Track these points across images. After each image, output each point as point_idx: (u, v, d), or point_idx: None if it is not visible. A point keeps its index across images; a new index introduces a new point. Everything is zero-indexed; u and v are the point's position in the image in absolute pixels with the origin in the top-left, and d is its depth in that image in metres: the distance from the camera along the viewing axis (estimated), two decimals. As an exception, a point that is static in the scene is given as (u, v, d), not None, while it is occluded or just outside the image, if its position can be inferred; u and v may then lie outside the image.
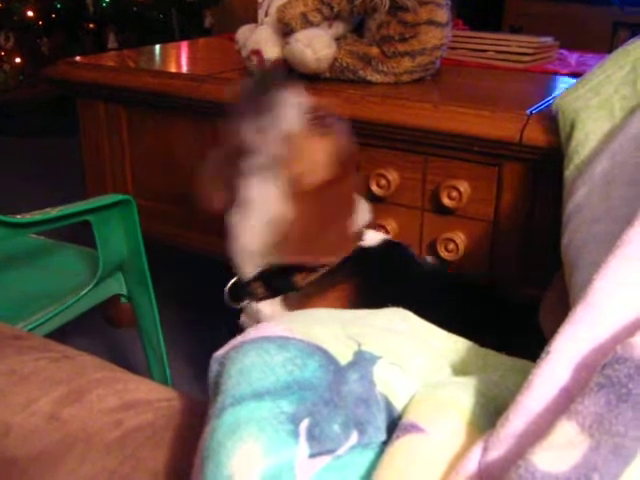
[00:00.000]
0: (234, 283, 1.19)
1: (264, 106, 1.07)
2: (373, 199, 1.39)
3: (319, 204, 1.10)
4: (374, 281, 1.15)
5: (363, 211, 1.20)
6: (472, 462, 0.45)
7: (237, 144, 1.11)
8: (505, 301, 1.22)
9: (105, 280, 1.39)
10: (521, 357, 0.65)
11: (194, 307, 2.00)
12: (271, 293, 1.15)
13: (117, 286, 1.45)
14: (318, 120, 1.11)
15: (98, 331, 1.88)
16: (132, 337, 1.71)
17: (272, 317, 1.11)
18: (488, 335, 1.03)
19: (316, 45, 1.42)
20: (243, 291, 1.17)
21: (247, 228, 1.12)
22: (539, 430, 0.44)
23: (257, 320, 1.15)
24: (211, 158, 1.22)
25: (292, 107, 1.09)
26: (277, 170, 1.09)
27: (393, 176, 1.37)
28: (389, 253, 1.20)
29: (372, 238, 1.20)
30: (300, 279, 1.14)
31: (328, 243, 1.11)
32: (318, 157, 1.11)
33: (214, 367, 0.57)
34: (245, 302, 1.18)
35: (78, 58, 1.86)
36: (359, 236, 1.18)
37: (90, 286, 1.32)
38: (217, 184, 1.20)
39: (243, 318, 1.21)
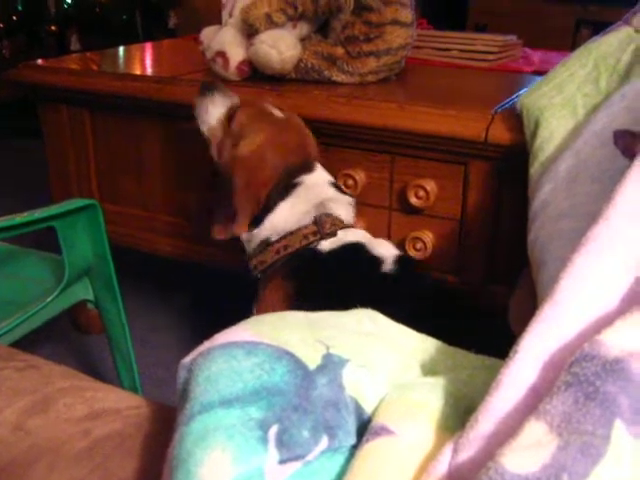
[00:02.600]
0: None
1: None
2: (341, 199, 1.39)
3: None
4: (313, 285, 1.16)
5: (337, 205, 1.20)
6: (442, 464, 0.45)
7: None
8: (462, 313, 1.20)
9: (71, 286, 1.37)
10: (488, 353, 0.65)
11: (162, 311, 1.99)
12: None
13: (84, 292, 1.43)
14: None
15: (66, 337, 1.85)
16: (100, 343, 1.69)
17: None
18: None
19: (281, 46, 1.41)
20: None
21: None
22: (508, 430, 0.44)
23: None
24: None
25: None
26: None
27: (360, 176, 1.37)
28: (342, 259, 1.17)
29: (338, 239, 1.17)
30: (254, 267, 1.22)
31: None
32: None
33: (182, 374, 0.56)
34: None
35: (40, 61, 1.84)
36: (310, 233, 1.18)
37: (56, 292, 1.30)
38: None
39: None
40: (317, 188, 1.21)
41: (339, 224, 1.18)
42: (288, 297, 1.15)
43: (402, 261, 1.18)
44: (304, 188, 1.20)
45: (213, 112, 1.29)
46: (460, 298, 1.30)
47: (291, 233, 1.18)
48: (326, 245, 1.17)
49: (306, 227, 1.17)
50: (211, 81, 1.34)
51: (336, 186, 1.25)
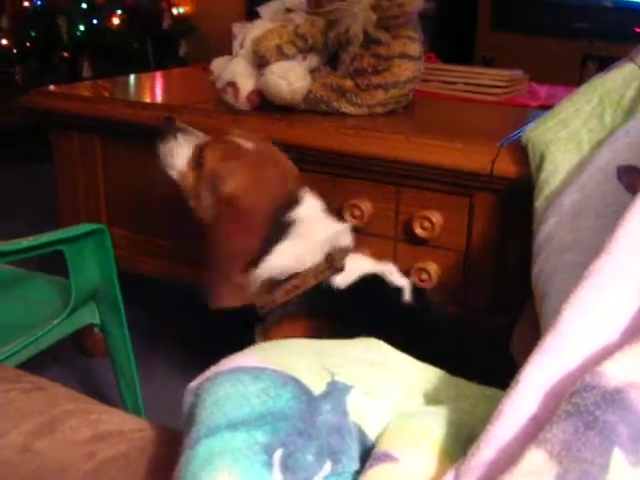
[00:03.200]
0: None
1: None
2: (347, 229, 1.40)
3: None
4: (336, 321, 1.11)
5: (342, 236, 1.17)
6: (444, 490, 0.46)
7: None
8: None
9: (78, 310, 1.38)
10: (490, 384, 0.66)
11: (167, 336, 1.99)
12: (248, 323, 1.18)
13: (90, 316, 1.44)
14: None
15: (71, 360, 1.86)
16: (105, 367, 1.69)
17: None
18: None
19: (291, 77, 1.44)
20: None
21: None
22: (509, 458, 0.44)
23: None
24: None
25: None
26: None
27: (366, 206, 1.38)
28: (358, 293, 1.14)
29: (351, 271, 1.15)
30: (260, 306, 1.16)
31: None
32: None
33: (188, 398, 0.57)
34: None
35: (52, 87, 1.86)
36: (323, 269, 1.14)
37: (63, 316, 1.31)
38: None
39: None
40: (316, 222, 1.17)
41: (347, 255, 1.16)
42: (309, 335, 1.09)
43: (416, 290, 1.16)
44: (302, 225, 1.15)
45: (180, 154, 1.23)
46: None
47: (306, 271, 1.13)
48: (340, 281, 1.13)
49: (320, 263, 1.13)
50: (169, 118, 1.30)
51: (327, 212, 1.21)
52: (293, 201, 1.17)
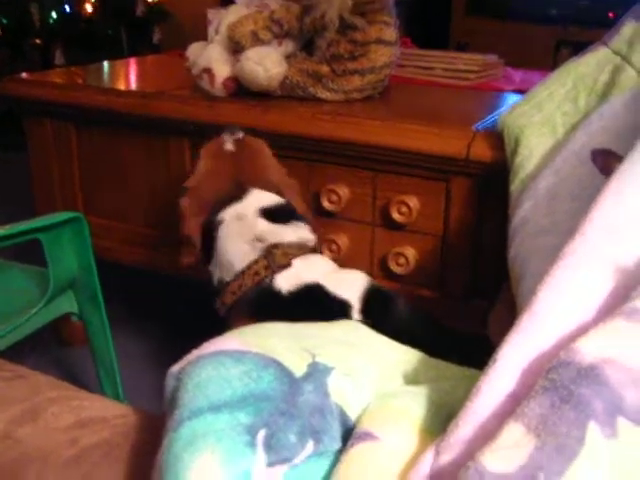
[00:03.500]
0: None
1: None
2: (324, 214, 1.41)
3: None
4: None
5: (303, 230, 1.14)
6: (424, 466, 0.47)
7: None
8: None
9: (56, 298, 1.37)
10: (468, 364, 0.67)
11: (145, 323, 1.99)
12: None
13: (68, 304, 1.43)
14: None
15: (49, 349, 1.85)
16: (83, 355, 1.69)
17: None
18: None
19: (267, 63, 1.43)
20: None
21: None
22: (487, 434, 0.45)
23: None
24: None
25: None
26: None
27: (344, 191, 1.39)
28: (303, 304, 1.07)
29: (297, 274, 1.09)
30: (218, 308, 1.15)
31: None
32: None
33: (170, 382, 0.58)
34: None
35: (24, 75, 1.85)
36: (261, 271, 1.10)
37: (41, 305, 1.31)
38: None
39: None
40: (247, 220, 1.12)
41: (293, 253, 1.09)
42: None
43: (371, 300, 1.07)
44: (233, 221, 1.12)
45: None
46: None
47: (242, 272, 1.09)
48: (283, 283, 1.07)
49: (256, 262, 1.08)
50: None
51: (272, 211, 1.14)
52: (234, 197, 1.14)
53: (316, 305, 1.06)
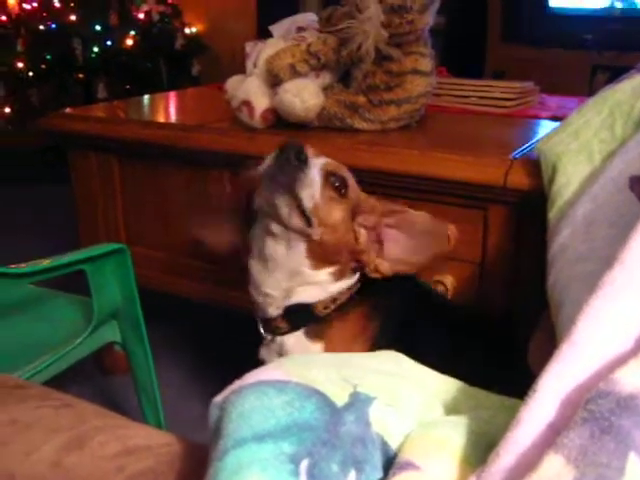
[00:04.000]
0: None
1: (290, 178, 1.06)
2: (363, 243, 1.42)
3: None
4: (389, 299, 1.20)
5: None
6: (466, 496, 0.47)
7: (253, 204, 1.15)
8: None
9: (100, 328, 1.40)
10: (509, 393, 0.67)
11: (188, 352, 2.01)
12: (294, 327, 1.19)
13: (112, 334, 1.46)
14: (335, 184, 1.12)
15: (91, 378, 1.88)
16: (125, 384, 1.72)
17: (295, 348, 1.18)
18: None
19: (304, 95, 1.46)
20: (266, 327, 1.22)
21: (270, 278, 1.16)
22: (528, 464, 0.46)
23: (280, 353, 1.20)
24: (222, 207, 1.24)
25: (314, 178, 1.08)
26: (297, 236, 1.11)
27: (382, 221, 1.40)
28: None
29: None
30: (320, 309, 1.17)
31: None
32: (338, 220, 1.12)
33: (214, 412, 0.59)
34: (268, 337, 1.22)
35: (68, 110, 1.90)
36: None
37: (85, 334, 1.33)
38: (228, 231, 1.25)
39: (263, 352, 1.24)
40: None
41: None
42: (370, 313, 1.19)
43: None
44: None
45: (315, 182, 1.09)
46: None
47: None
48: None
49: None
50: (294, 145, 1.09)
51: None
52: None
53: None
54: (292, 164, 1.05)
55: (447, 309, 1.28)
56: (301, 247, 1.12)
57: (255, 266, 1.18)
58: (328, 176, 1.11)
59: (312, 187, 1.07)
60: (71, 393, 0.81)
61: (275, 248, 1.13)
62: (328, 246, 1.13)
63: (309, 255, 1.13)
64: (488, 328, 1.24)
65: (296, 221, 1.08)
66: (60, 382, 1.32)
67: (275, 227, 1.11)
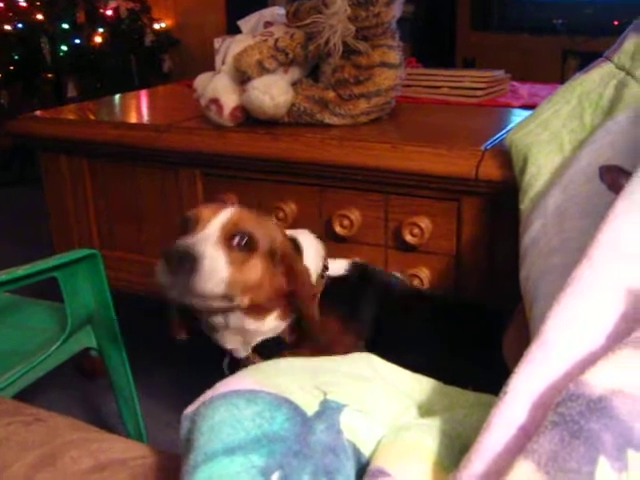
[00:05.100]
0: (230, 360, 1.20)
1: (188, 284, 0.98)
2: (337, 239, 1.42)
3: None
4: (354, 305, 1.18)
5: (316, 249, 1.20)
6: (438, 504, 0.47)
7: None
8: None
9: (74, 334, 1.38)
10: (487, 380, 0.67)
11: (165, 354, 2.00)
12: (266, 359, 1.16)
13: (87, 340, 1.44)
14: (242, 242, 1.04)
15: (69, 382, 1.86)
16: (104, 387, 1.70)
17: None
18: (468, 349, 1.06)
19: (273, 91, 1.45)
20: (241, 364, 1.16)
21: (224, 338, 1.14)
22: (499, 469, 0.45)
23: None
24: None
25: (212, 265, 0.99)
26: (229, 308, 1.07)
27: (355, 215, 1.39)
28: (359, 273, 1.22)
29: (337, 266, 1.22)
30: (287, 337, 1.14)
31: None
32: (258, 277, 1.06)
33: (185, 424, 0.58)
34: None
35: (38, 112, 1.87)
36: (323, 272, 1.19)
37: (59, 342, 1.32)
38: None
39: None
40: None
41: None
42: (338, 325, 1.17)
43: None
44: None
45: (219, 263, 1.02)
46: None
47: None
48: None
49: None
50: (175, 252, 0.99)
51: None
52: None
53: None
54: (183, 271, 0.97)
55: (419, 299, 1.27)
56: (237, 314, 1.08)
57: (208, 329, 1.15)
58: (231, 239, 1.03)
59: (215, 274, 0.99)
60: (50, 398, 0.80)
61: (215, 320, 1.10)
62: (261, 303, 1.08)
63: (247, 316, 1.09)
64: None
65: (218, 305, 1.04)
66: (39, 387, 1.31)
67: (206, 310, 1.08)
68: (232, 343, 1.15)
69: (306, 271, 1.13)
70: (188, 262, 0.97)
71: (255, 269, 1.05)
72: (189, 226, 1.05)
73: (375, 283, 1.23)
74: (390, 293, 1.24)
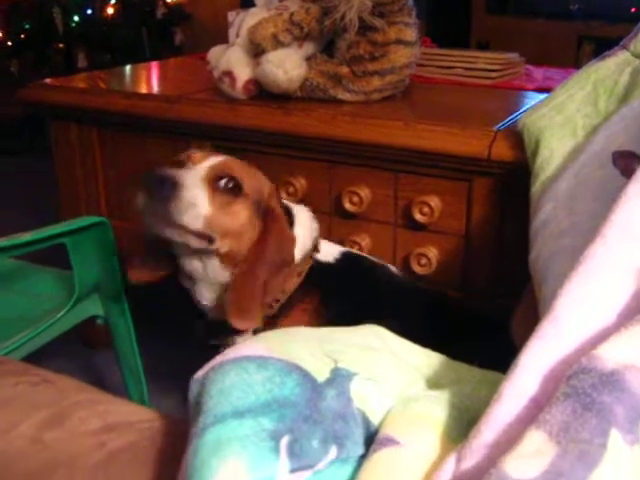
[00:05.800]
0: (207, 323, 1.20)
1: (166, 210, 0.98)
2: (346, 215, 1.42)
3: (255, 264, 1.07)
4: (334, 292, 1.17)
5: (309, 227, 1.18)
6: (446, 472, 0.47)
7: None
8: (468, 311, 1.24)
9: (81, 302, 1.39)
10: (491, 366, 0.67)
11: (171, 323, 2.00)
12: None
13: (93, 308, 1.45)
14: (229, 185, 1.04)
15: (74, 352, 1.87)
16: (108, 358, 1.71)
17: None
18: (454, 343, 1.06)
19: (287, 65, 1.44)
20: (216, 328, 1.18)
21: (201, 291, 1.14)
22: (510, 440, 0.46)
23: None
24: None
25: (193, 197, 1.00)
26: (207, 250, 1.06)
27: (365, 193, 1.39)
28: (346, 265, 1.21)
29: (328, 251, 1.20)
30: (266, 310, 1.13)
31: (273, 292, 1.10)
32: (241, 223, 1.06)
33: (194, 388, 0.58)
34: (220, 338, 1.18)
35: (49, 80, 1.87)
36: (311, 252, 1.17)
37: (66, 308, 1.32)
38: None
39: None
40: None
41: None
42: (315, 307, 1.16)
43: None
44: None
45: (200, 199, 1.03)
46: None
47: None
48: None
49: None
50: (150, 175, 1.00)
51: None
52: None
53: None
54: (162, 196, 0.97)
55: (407, 298, 1.26)
56: (214, 261, 1.08)
57: (185, 282, 1.15)
58: (216, 180, 1.03)
59: (195, 207, 0.99)
60: (54, 367, 0.81)
61: (192, 265, 1.09)
62: (241, 252, 1.07)
63: (225, 266, 1.08)
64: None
65: (196, 243, 1.03)
66: (43, 356, 1.32)
67: (183, 249, 1.07)
68: (207, 298, 1.14)
69: (291, 238, 1.11)
70: (167, 188, 0.97)
71: (237, 215, 1.05)
72: (179, 166, 1.06)
73: (361, 278, 1.21)
74: (375, 290, 1.22)
